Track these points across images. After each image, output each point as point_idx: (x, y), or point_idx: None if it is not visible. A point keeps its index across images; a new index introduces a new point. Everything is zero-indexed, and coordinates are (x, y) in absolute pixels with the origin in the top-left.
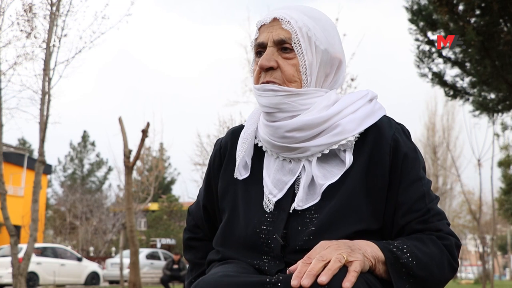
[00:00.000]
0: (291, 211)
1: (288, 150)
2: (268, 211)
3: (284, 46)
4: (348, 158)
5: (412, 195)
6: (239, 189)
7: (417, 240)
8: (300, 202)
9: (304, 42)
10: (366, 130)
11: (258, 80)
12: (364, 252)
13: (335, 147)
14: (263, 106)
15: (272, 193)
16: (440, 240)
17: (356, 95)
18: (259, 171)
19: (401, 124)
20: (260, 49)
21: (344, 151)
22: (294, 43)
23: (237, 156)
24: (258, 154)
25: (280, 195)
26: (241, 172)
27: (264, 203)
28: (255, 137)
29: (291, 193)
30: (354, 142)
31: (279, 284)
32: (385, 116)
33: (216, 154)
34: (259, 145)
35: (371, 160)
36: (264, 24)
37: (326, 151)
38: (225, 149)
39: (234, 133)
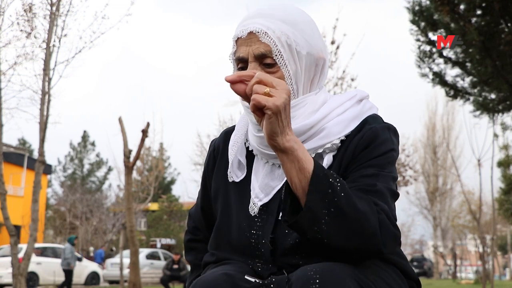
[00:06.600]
0: (280, 218)
1: (277, 157)
2: (253, 214)
3: (265, 62)
4: (327, 160)
5: (363, 172)
6: (231, 191)
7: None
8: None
9: (285, 52)
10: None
11: None
12: (295, 140)
13: (320, 150)
14: (254, 124)
15: (258, 197)
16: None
17: (345, 96)
18: (249, 174)
19: (387, 124)
20: (241, 64)
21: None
22: (275, 55)
23: (229, 159)
24: (249, 156)
25: (266, 199)
26: (237, 174)
27: (250, 207)
28: (246, 140)
29: (278, 197)
30: (339, 145)
31: (272, 286)
32: (374, 114)
33: (210, 156)
34: (250, 148)
35: (344, 156)
36: (241, 37)
37: (312, 155)
38: (217, 151)
39: (227, 134)
